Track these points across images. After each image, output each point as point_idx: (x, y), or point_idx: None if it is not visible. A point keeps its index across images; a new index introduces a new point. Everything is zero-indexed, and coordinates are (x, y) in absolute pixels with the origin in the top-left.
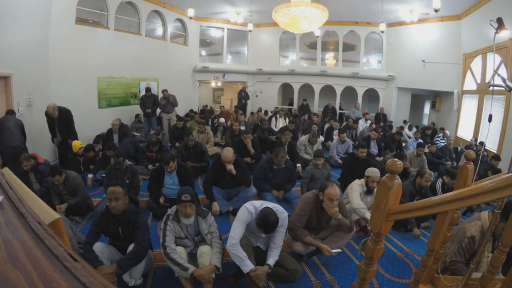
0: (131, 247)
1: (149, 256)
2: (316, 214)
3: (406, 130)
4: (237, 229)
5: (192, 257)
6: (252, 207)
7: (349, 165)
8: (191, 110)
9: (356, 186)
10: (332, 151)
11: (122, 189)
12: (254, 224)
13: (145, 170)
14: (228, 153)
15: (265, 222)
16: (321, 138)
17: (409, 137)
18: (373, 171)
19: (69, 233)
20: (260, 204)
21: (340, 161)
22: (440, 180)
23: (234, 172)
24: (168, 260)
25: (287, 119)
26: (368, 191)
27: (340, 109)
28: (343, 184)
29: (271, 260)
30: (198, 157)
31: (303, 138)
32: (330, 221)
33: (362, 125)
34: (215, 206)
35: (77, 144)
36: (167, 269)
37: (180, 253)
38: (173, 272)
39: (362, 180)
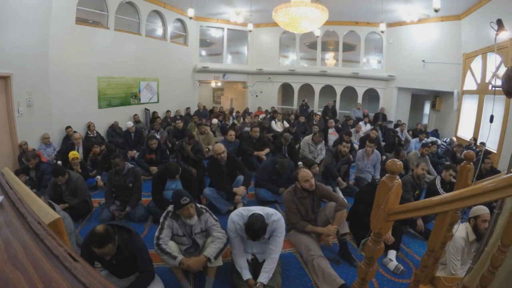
0: (133, 277)
1: (156, 280)
2: (302, 205)
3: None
4: (233, 242)
5: (190, 255)
6: (238, 217)
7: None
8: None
9: (461, 241)
10: (361, 168)
11: (111, 243)
12: (243, 231)
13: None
14: (219, 145)
15: (251, 228)
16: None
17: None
18: (481, 209)
19: (71, 227)
20: (247, 211)
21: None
22: (438, 177)
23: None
24: (159, 250)
25: (285, 122)
26: (478, 237)
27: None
28: (354, 222)
29: (263, 276)
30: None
31: (307, 138)
32: (319, 208)
33: (363, 128)
34: (238, 190)
35: (70, 155)
36: (167, 269)
37: (171, 246)
38: (173, 273)
39: (466, 226)
